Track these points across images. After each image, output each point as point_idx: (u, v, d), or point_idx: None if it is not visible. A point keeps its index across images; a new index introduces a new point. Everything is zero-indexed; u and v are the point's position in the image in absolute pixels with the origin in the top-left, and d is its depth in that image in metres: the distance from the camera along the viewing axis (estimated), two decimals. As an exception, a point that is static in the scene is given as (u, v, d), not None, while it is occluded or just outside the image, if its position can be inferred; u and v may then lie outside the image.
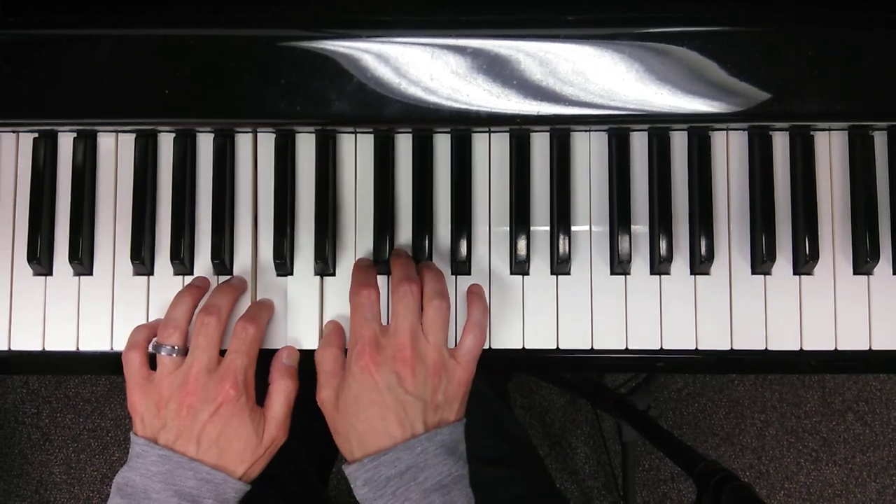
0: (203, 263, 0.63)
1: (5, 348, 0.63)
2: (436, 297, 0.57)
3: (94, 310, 0.63)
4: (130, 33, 0.58)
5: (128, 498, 0.54)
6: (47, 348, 0.63)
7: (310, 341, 0.62)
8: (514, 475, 0.78)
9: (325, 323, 0.62)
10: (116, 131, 0.64)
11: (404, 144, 0.64)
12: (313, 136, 0.63)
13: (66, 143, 0.64)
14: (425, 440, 0.53)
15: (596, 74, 0.57)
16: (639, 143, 0.63)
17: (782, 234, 0.63)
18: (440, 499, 0.52)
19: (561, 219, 0.62)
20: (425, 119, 0.58)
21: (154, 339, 0.59)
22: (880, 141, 0.64)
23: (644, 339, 0.62)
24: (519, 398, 1.45)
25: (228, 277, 0.63)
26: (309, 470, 0.85)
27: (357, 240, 0.63)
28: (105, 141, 0.64)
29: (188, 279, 0.63)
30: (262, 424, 0.57)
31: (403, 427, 0.53)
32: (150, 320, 0.63)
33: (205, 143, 0.64)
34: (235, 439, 0.56)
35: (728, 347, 0.62)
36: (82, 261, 0.62)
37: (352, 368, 0.55)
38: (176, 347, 0.57)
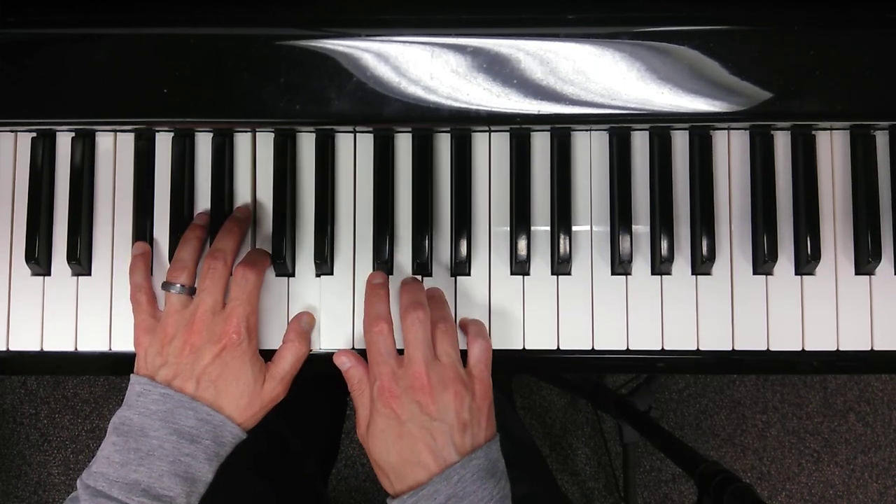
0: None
1: (3, 348, 0.63)
2: (440, 322, 0.57)
3: (93, 310, 0.63)
4: (129, 32, 0.58)
5: (125, 436, 0.54)
6: (46, 349, 0.63)
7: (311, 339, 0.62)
8: (518, 475, 0.78)
9: (337, 357, 0.59)
10: (115, 131, 0.64)
11: (404, 144, 0.63)
12: (313, 135, 0.63)
13: (64, 142, 0.64)
14: (460, 468, 0.53)
15: (596, 73, 0.57)
16: (640, 143, 0.63)
17: (784, 234, 0.63)
18: None
19: (561, 219, 0.62)
20: (425, 118, 0.58)
21: (163, 280, 0.59)
22: (882, 141, 0.63)
23: (645, 339, 0.62)
24: (519, 398, 1.45)
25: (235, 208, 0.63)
26: (311, 470, 0.85)
27: (357, 239, 0.63)
28: (103, 141, 0.64)
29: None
30: (262, 374, 0.58)
31: (435, 455, 0.53)
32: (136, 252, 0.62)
33: (203, 143, 0.64)
34: (234, 382, 0.56)
35: (729, 348, 0.62)
36: (80, 261, 0.62)
37: (375, 405, 0.55)
38: (183, 286, 0.58)
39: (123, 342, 0.62)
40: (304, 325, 0.61)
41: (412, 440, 0.53)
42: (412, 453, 0.53)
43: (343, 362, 0.59)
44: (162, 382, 0.56)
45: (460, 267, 0.62)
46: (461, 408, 0.54)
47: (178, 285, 0.58)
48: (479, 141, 0.63)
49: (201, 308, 0.57)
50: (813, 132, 0.63)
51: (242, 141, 0.64)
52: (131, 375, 0.57)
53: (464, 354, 0.58)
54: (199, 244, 0.61)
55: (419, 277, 0.62)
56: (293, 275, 0.63)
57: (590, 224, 0.63)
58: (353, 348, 0.62)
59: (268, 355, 0.60)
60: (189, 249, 0.60)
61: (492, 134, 0.63)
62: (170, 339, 0.57)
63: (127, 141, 0.64)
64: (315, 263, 0.62)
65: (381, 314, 0.58)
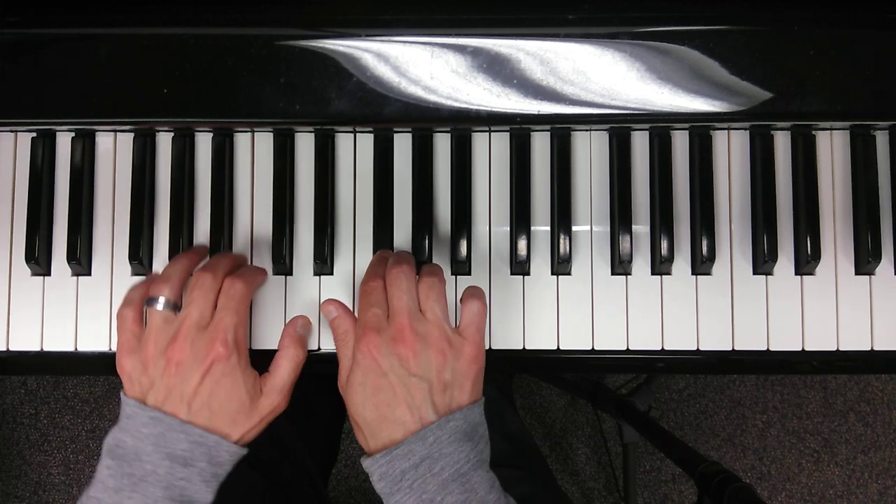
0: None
1: (3, 349, 0.63)
2: (426, 275, 0.56)
3: (93, 310, 0.63)
4: (129, 32, 0.58)
5: (119, 460, 0.52)
6: (45, 349, 0.63)
7: (309, 341, 0.62)
8: (519, 475, 0.78)
9: (325, 305, 0.59)
10: (115, 131, 0.64)
11: (404, 144, 0.63)
12: (313, 135, 0.63)
13: (64, 142, 0.64)
14: (437, 429, 0.51)
15: (596, 73, 0.57)
16: (640, 143, 0.63)
17: (784, 234, 0.63)
18: (459, 487, 0.50)
19: (561, 219, 0.62)
20: (425, 118, 0.58)
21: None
22: (882, 141, 0.63)
23: (645, 339, 0.62)
24: (519, 398, 1.45)
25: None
26: (311, 470, 0.85)
27: (356, 240, 0.63)
28: (103, 140, 0.64)
29: (187, 279, 0.63)
30: (256, 387, 0.56)
31: (412, 411, 0.52)
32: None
33: (203, 143, 0.64)
34: (227, 401, 0.54)
35: (729, 348, 0.62)
36: (80, 261, 0.62)
37: (356, 355, 0.54)
38: (167, 301, 0.55)
39: (123, 342, 0.62)
40: (299, 329, 0.60)
41: (390, 394, 0.52)
42: (389, 408, 0.52)
43: (330, 311, 0.58)
44: (153, 406, 0.53)
45: (460, 266, 0.62)
46: (443, 367, 0.53)
47: (162, 299, 0.55)
48: (479, 141, 0.63)
49: (186, 322, 0.54)
50: (813, 132, 0.63)
51: (242, 141, 0.64)
52: (121, 394, 0.55)
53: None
54: (189, 266, 0.58)
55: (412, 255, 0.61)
56: (292, 274, 0.63)
57: (590, 224, 0.63)
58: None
59: (268, 355, 0.60)
60: (177, 267, 0.57)
61: (492, 134, 0.63)
62: (153, 359, 0.54)
63: (127, 141, 0.64)
64: (315, 263, 0.62)
65: (380, 273, 0.57)
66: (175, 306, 0.55)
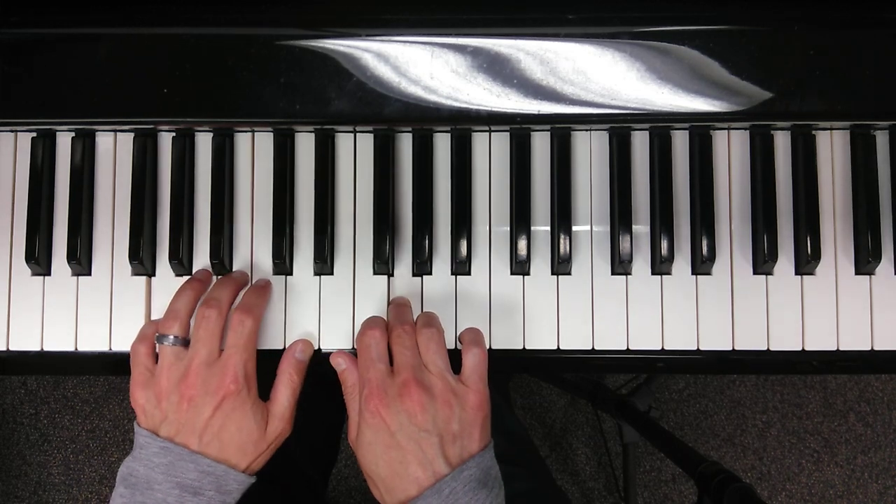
0: (202, 263, 0.63)
1: (3, 348, 0.63)
2: (424, 327, 0.57)
3: (93, 310, 0.63)
4: (129, 32, 0.58)
5: (132, 488, 0.54)
6: (46, 349, 0.63)
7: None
8: (515, 472, 0.79)
9: (334, 357, 0.59)
10: (115, 130, 0.64)
11: (404, 144, 0.63)
12: (313, 135, 0.63)
13: (64, 142, 0.64)
14: (451, 480, 0.52)
15: (597, 73, 0.57)
16: (640, 143, 0.63)
17: (784, 233, 0.63)
18: None
19: (561, 219, 0.62)
20: (425, 118, 0.58)
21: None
22: (882, 140, 0.63)
23: (645, 339, 0.62)
24: (519, 399, 1.45)
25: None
26: (310, 469, 0.85)
27: (357, 239, 0.63)
28: (103, 140, 0.64)
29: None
30: (264, 417, 0.57)
31: (424, 467, 0.52)
32: (153, 318, 0.62)
33: (204, 143, 0.64)
34: (237, 433, 0.55)
35: (729, 348, 0.62)
36: (81, 261, 0.62)
37: (363, 414, 0.54)
38: (177, 337, 0.57)
39: (123, 342, 0.62)
40: (298, 355, 0.60)
41: (402, 452, 0.53)
42: (402, 465, 0.53)
43: (339, 363, 0.59)
44: (165, 437, 0.55)
45: (460, 266, 0.62)
46: (451, 419, 0.53)
47: (172, 336, 0.57)
48: (479, 141, 0.63)
49: (196, 360, 0.55)
50: (813, 132, 0.63)
51: (242, 141, 0.64)
52: (134, 425, 0.57)
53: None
54: (195, 296, 0.59)
55: (408, 301, 0.62)
56: (292, 274, 0.63)
57: (590, 224, 0.63)
58: (352, 348, 0.62)
59: (267, 355, 0.60)
60: (184, 300, 0.58)
61: (492, 134, 0.63)
62: (166, 394, 0.55)
63: (127, 141, 0.64)
64: (315, 263, 0.62)
65: (377, 324, 0.58)
66: (185, 341, 0.57)
